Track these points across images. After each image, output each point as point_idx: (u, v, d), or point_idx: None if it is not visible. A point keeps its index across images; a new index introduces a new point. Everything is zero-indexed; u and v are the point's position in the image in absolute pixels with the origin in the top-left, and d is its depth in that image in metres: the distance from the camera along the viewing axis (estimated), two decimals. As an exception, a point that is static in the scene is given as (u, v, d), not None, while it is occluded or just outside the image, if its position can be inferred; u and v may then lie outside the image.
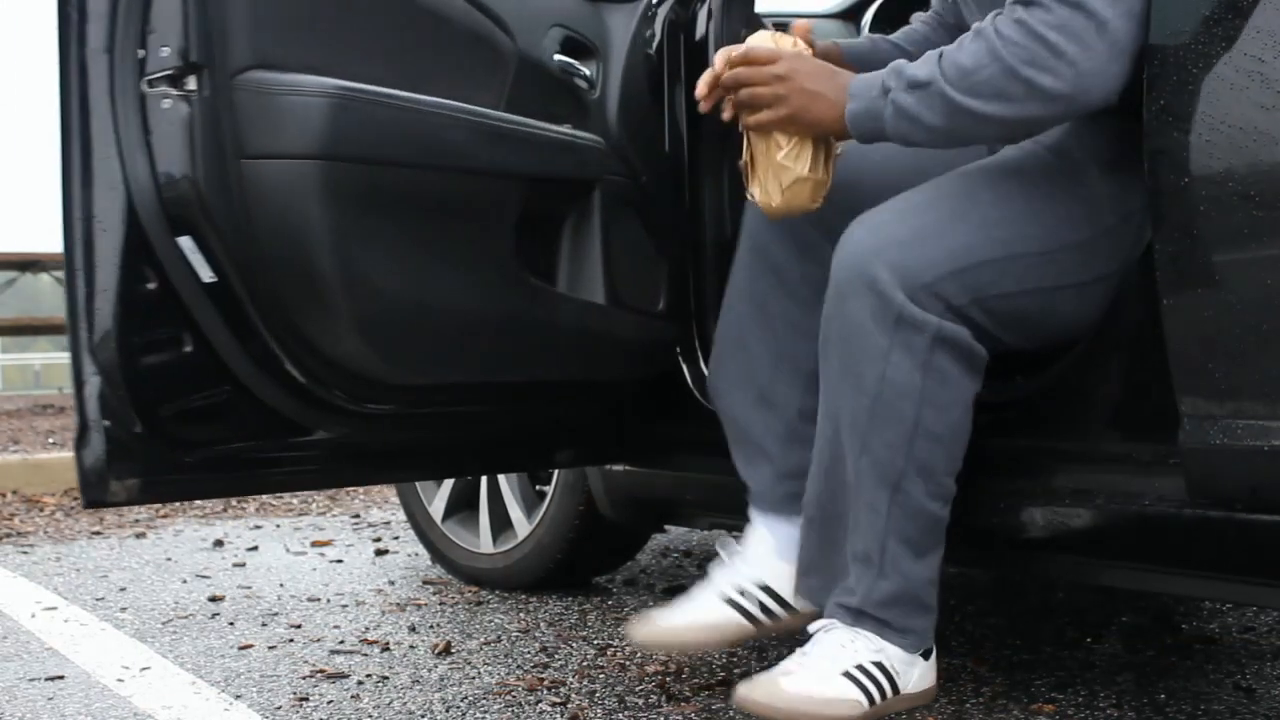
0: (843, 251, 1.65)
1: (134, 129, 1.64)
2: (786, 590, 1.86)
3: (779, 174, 1.68)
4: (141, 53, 1.64)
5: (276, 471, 1.91)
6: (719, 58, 1.72)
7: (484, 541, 2.81)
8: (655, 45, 2.28)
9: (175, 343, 1.69)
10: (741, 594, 1.87)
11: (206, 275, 1.68)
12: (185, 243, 1.66)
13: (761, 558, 1.89)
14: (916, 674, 1.69)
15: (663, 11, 2.32)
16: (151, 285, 1.66)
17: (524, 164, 1.96)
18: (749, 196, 1.73)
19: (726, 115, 1.73)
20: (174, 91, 1.64)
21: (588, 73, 2.15)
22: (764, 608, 1.87)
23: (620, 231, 2.13)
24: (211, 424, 1.75)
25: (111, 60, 1.63)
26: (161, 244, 1.65)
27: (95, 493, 1.66)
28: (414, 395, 1.94)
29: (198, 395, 1.72)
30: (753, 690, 1.65)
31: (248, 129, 1.67)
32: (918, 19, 2.11)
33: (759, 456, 1.92)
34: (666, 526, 2.91)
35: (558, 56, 2.10)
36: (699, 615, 1.88)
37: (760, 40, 1.72)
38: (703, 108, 1.76)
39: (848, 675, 1.64)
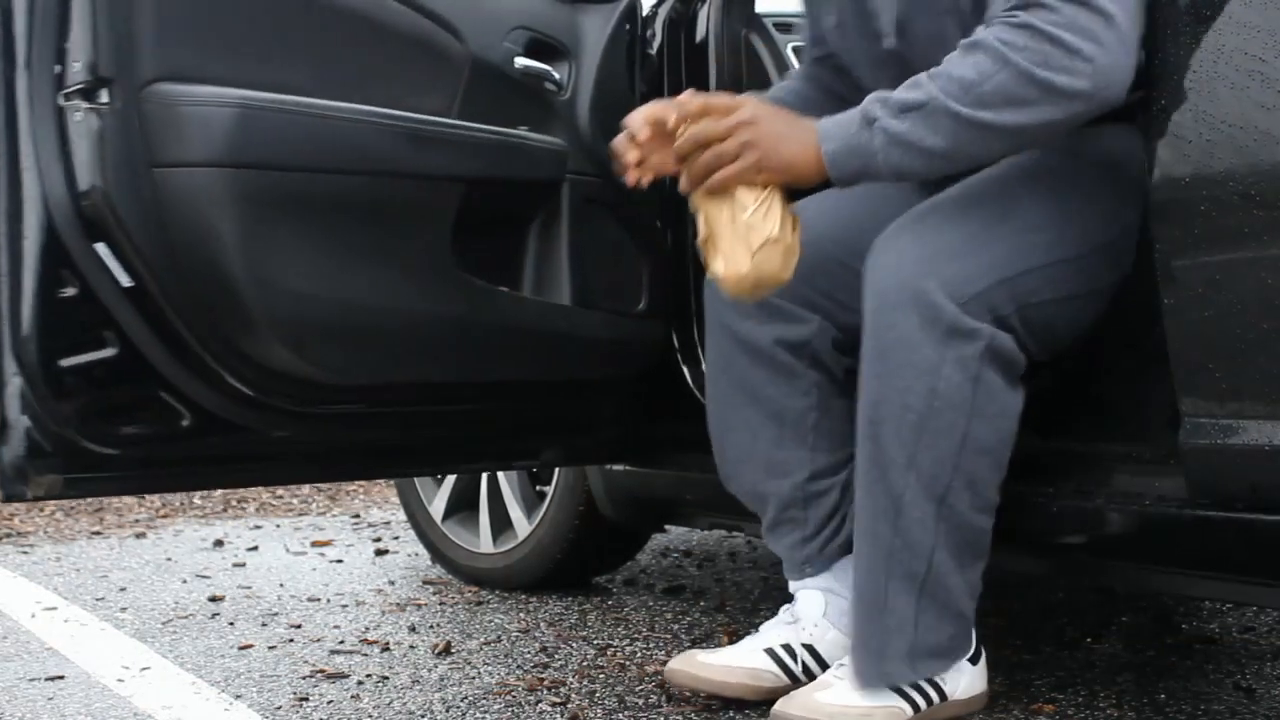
0: (883, 267, 1.60)
1: (51, 141, 1.70)
2: (829, 653, 1.85)
3: (747, 236, 1.56)
4: (58, 68, 1.70)
5: (213, 469, 1.94)
6: (662, 115, 1.61)
7: (484, 541, 2.81)
8: (656, 45, 2.29)
9: (98, 345, 1.75)
10: (785, 649, 1.87)
11: (125, 280, 1.73)
12: (101, 249, 1.72)
13: (808, 619, 1.89)
14: (965, 681, 1.69)
15: (663, 11, 2.32)
16: (72, 290, 1.71)
17: (458, 167, 1.98)
18: (710, 275, 1.62)
19: (685, 187, 1.62)
20: (86, 104, 1.70)
21: (557, 75, 2.16)
22: (805, 667, 1.86)
23: (591, 232, 2.14)
24: (138, 423, 1.80)
25: (30, 75, 1.69)
26: (79, 250, 1.71)
27: (14, 487, 1.72)
28: (355, 395, 1.96)
29: (123, 395, 1.78)
30: (789, 705, 1.64)
31: (157, 139, 1.73)
32: (789, 80, 2.07)
33: (783, 525, 1.89)
34: (667, 526, 2.91)
35: (520, 60, 2.11)
36: (740, 659, 1.87)
37: (685, 99, 1.63)
38: (630, 180, 1.66)
39: (891, 685, 1.63)
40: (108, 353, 1.74)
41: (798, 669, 1.85)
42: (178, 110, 1.73)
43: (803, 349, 1.82)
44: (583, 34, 2.20)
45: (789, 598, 1.95)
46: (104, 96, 1.69)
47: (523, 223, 2.11)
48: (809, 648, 1.86)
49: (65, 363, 1.71)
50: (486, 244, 2.03)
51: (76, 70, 1.69)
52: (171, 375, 1.78)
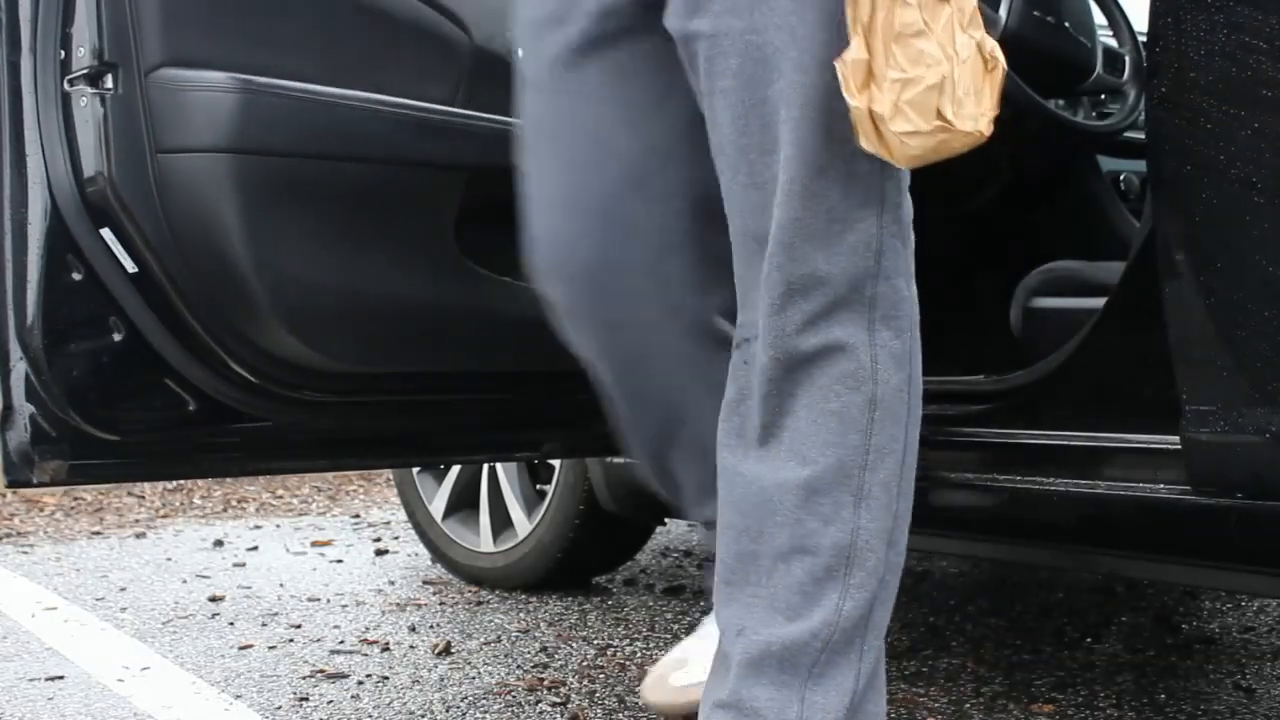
0: None
1: (55, 126, 1.70)
2: None
3: (904, 52, 1.10)
4: (63, 53, 1.70)
5: (217, 457, 1.95)
6: None
7: (484, 540, 2.81)
8: None
9: (104, 330, 1.75)
10: None
11: (130, 266, 1.73)
12: (107, 235, 1.72)
13: None
14: None
15: None
16: (78, 275, 1.71)
17: (460, 154, 1.98)
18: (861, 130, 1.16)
19: None
20: (90, 90, 1.69)
21: None
22: None
23: None
24: (144, 409, 1.80)
25: (35, 60, 1.70)
26: (85, 236, 1.71)
27: (19, 474, 1.72)
28: (359, 383, 1.96)
29: (128, 381, 1.78)
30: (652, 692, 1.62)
31: (162, 124, 1.72)
32: None
33: None
34: (667, 521, 2.91)
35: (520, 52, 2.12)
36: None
37: None
38: None
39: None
40: (113, 339, 1.74)
41: None
42: (182, 95, 1.72)
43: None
44: None
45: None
46: (108, 82, 1.69)
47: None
48: None
49: (70, 349, 1.71)
50: (488, 233, 2.03)
51: (81, 55, 1.68)
52: (176, 361, 1.78)
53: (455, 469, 2.89)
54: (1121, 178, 2.91)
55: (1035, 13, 2.50)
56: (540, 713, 1.93)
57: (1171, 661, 2.13)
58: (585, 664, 2.20)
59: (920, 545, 2.28)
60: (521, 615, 2.58)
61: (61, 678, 2.18)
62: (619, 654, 2.26)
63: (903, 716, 1.87)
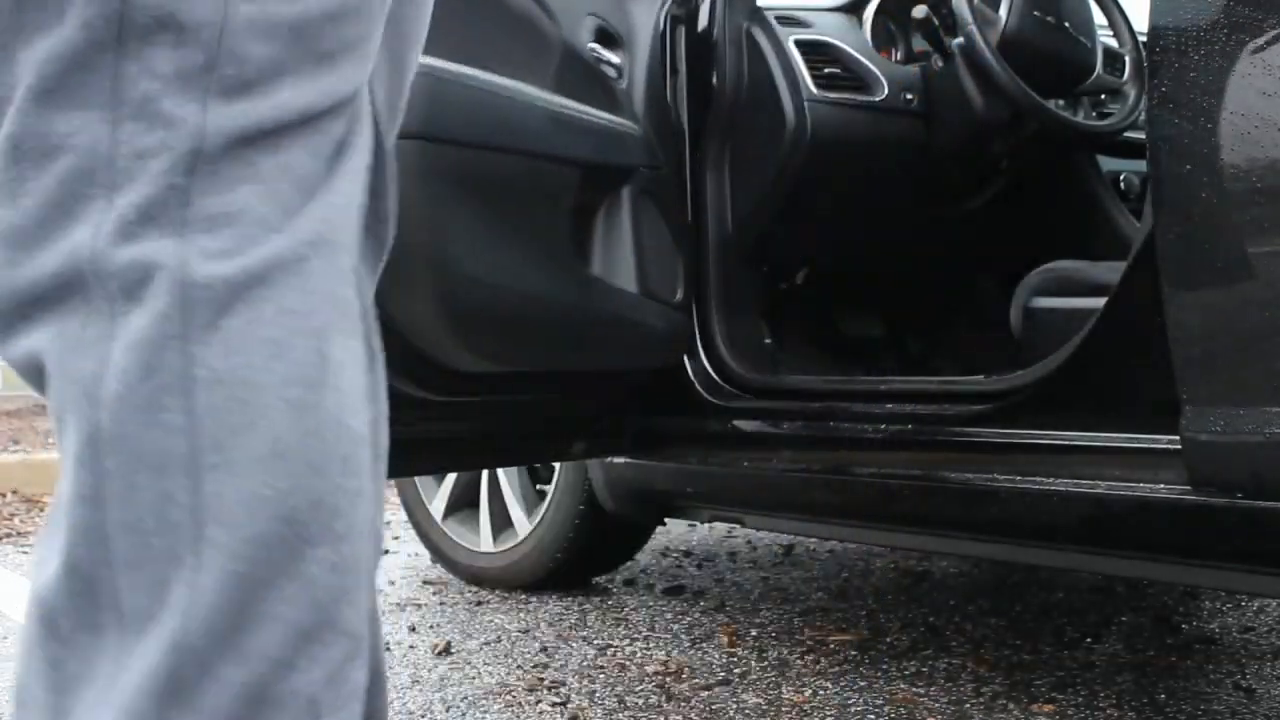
0: None
1: None
2: None
3: None
4: None
5: None
6: None
7: (484, 540, 2.81)
8: (658, 37, 2.29)
9: None
10: None
11: None
12: None
13: None
14: None
15: (667, 4, 2.32)
16: None
17: (582, 150, 1.98)
18: None
19: None
20: None
21: (617, 62, 2.16)
22: None
23: (646, 221, 2.15)
24: None
25: None
26: None
27: None
28: (474, 384, 1.95)
29: None
30: None
31: None
32: None
33: None
34: (667, 521, 2.91)
35: (591, 45, 2.11)
36: None
37: None
38: None
39: None
40: None
41: None
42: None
43: None
44: (634, 24, 2.21)
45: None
46: None
47: (591, 210, 2.11)
48: None
49: None
50: (576, 229, 2.03)
51: None
52: None
53: (455, 469, 2.89)
54: (1121, 178, 2.91)
55: (1035, 13, 2.50)
56: (540, 713, 1.93)
57: (1171, 661, 2.13)
58: (585, 664, 2.20)
59: (920, 545, 2.29)
60: (521, 615, 2.58)
61: (61, 677, 2.18)
62: (619, 654, 2.26)
63: (903, 716, 1.87)
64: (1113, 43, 2.81)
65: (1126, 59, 2.79)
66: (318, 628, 0.72)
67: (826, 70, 2.50)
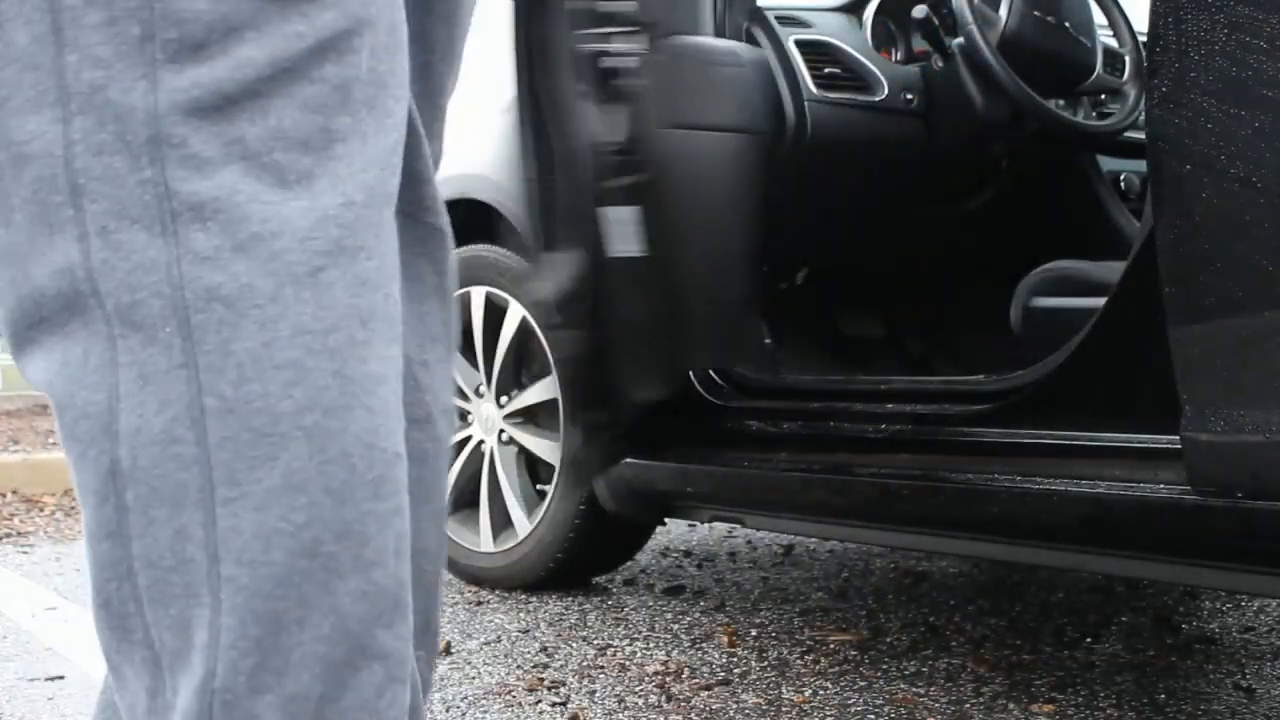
0: None
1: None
2: None
3: None
4: None
5: None
6: None
7: (484, 540, 2.81)
8: None
9: None
10: None
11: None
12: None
13: None
14: None
15: None
16: None
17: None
18: None
19: None
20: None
21: None
22: None
23: None
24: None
25: None
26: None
27: None
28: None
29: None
30: None
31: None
32: None
33: None
34: (667, 521, 2.91)
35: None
36: None
37: None
38: None
39: None
40: None
41: None
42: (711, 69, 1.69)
43: None
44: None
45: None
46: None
47: None
48: None
49: None
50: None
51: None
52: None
53: (455, 468, 2.89)
54: (1121, 178, 2.91)
55: (1035, 13, 2.50)
56: (540, 713, 1.93)
57: (1171, 661, 2.13)
58: (585, 664, 2.19)
59: (920, 545, 2.29)
60: (521, 615, 2.58)
61: (61, 678, 2.18)
62: (619, 654, 2.26)
63: (903, 716, 1.87)
64: (1113, 43, 2.81)
65: (1126, 59, 2.79)
66: (350, 656, 0.70)
67: (827, 70, 2.50)
